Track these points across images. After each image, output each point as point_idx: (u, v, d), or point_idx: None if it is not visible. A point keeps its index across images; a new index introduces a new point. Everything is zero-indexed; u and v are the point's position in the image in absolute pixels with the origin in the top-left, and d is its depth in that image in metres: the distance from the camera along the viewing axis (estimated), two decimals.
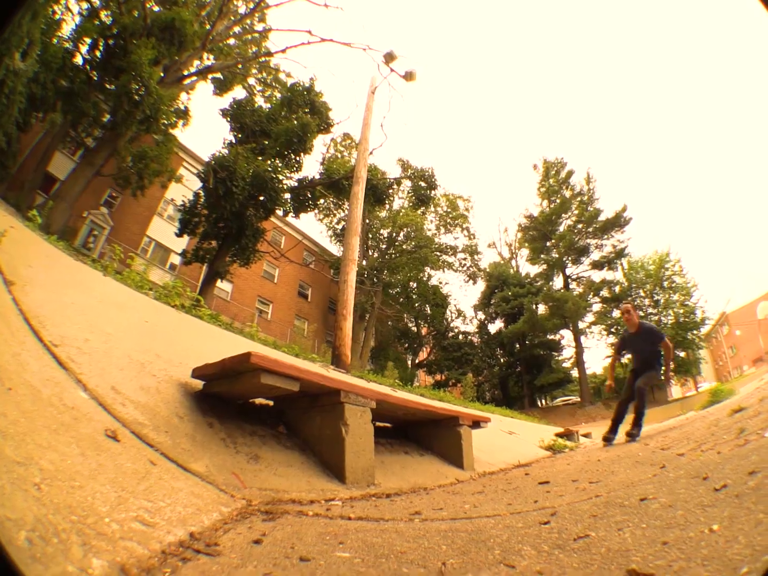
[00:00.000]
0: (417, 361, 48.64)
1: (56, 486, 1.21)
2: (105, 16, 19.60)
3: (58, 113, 18.41)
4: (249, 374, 2.58)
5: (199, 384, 3.10)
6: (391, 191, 28.80)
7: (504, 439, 8.43)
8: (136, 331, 3.83)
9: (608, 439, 6.99)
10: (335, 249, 42.38)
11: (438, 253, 43.31)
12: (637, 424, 6.50)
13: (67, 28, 18.87)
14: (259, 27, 27.71)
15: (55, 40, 17.26)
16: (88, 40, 18.46)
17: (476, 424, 5.16)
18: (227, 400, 3.11)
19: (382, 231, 42.26)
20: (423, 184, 30.06)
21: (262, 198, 22.39)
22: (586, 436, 13.89)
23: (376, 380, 11.46)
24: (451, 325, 50.97)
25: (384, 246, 41.75)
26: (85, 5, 19.96)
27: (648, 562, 0.91)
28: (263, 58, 27.20)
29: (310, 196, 25.84)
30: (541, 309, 47.41)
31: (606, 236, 46.50)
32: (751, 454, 1.72)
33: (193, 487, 1.87)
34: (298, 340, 25.86)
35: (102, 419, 2.01)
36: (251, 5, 25.74)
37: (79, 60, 18.47)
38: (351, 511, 2.03)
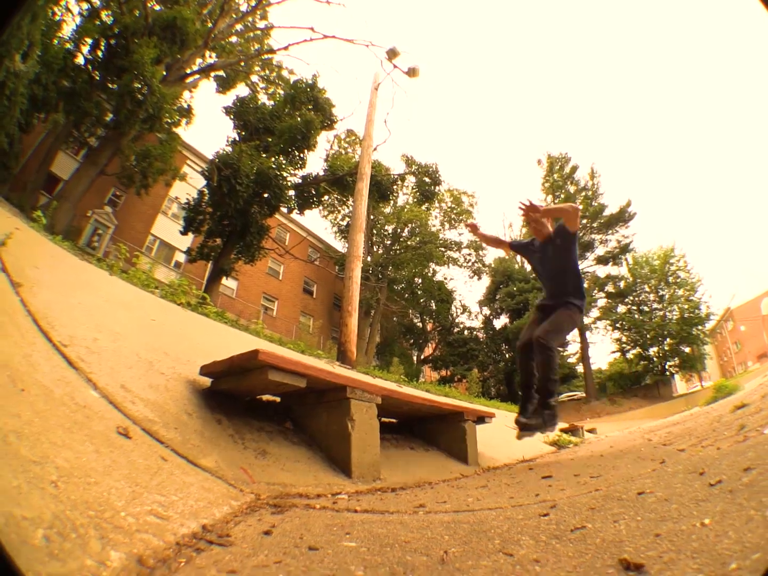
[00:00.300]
0: (422, 356, 48.68)
1: (72, 483, 1.25)
2: (106, 16, 19.68)
3: (60, 113, 18.45)
4: (257, 371, 2.63)
5: (207, 381, 3.15)
6: (395, 187, 28.88)
7: (509, 434, 8.43)
8: (143, 329, 3.87)
9: (522, 424, 4.30)
10: (340, 245, 42.53)
11: (443, 249, 43.29)
12: (544, 404, 4.15)
13: (67, 29, 18.94)
14: (261, 24, 27.74)
15: (55, 41, 17.28)
16: (89, 41, 18.57)
17: (481, 419, 5.21)
18: (235, 396, 3.16)
19: (386, 227, 42.27)
20: (427, 179, 30.07)
21: (266, 195, 22.44)
22: (590, 431, 13.92)
23: (382, 376, 11.52)
24: (457, 320, 50.95)
25: (389, 242, 41.79)
26: (85, 6, 20.01)
27: (640, 552, 0.96)
28: (266, 56, 27.23)
29: (314, 192, 25.95)
30: None
31: (611, 231, 46.37)
32: (748, 451, 1.75)
33: (204, 482, 1.92)
34: (303, 337, 25.92)
35: (113, 417, 2.05)
36: (253, 2, 25.74)
37: (80, 60, 18.54)
38: (357, 504, 2.08)
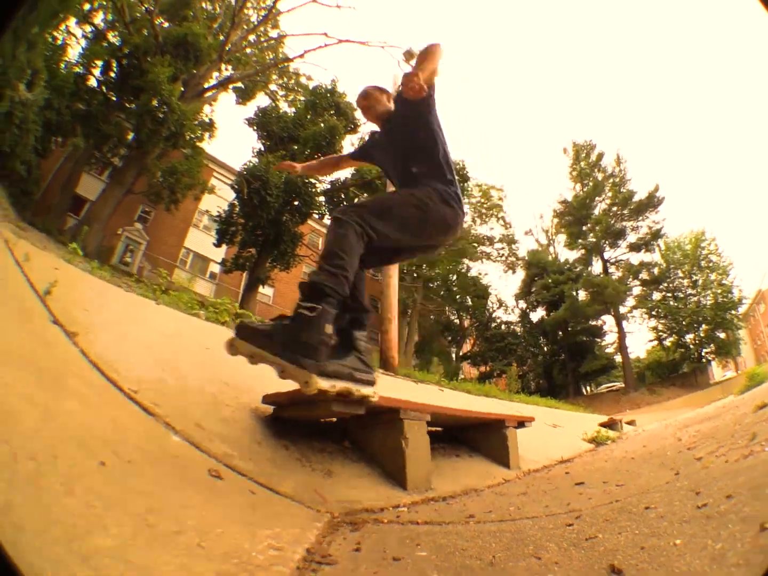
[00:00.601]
0: (461, 353, 48.77)
1: (209, 539, 1.43)
2: (113, 37, 19.97)
3: (79, 137, 18.76)
4: (321, 403, 2.92)
5: (268, 408, 3.42)
6: None
7: (548, 433, 8.65)
8: (200, 360, 3.92)
9: (237, 327, 2.62)
10: None
11: (475, 244, 43.26)
12: (298, 307, 2.39)
13: (73, 53, 19.31)
14: (273, 34, 28.11)
15: (62, 66, 17.58)
16: (99, 63, 18.84)
17: (521, 424, 5.52)
18: (296, 421, 3.47)
19: None
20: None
21: (296, 203, 22.79)
22: (630, 423, 14.00)
23: (423, 378, 11.77)
24: (493, 315, 50.93)
25: None
26: (89, 28, 20.39)
27: (626, 560, 1.26)
28: (282, 64, 27.58)
29: (344, 197, 26.19)
30: (582, 295, 46.95)
31: (641, 218, 45.80)
32: (741, 474, 1.91)
33: (289, 508, 2.22)
34: None
35: (200, 459, 2.25)
36: (262, 13, 26.03)
37: (93, 82, 18.84)
38: (417, 516, 2.42)
